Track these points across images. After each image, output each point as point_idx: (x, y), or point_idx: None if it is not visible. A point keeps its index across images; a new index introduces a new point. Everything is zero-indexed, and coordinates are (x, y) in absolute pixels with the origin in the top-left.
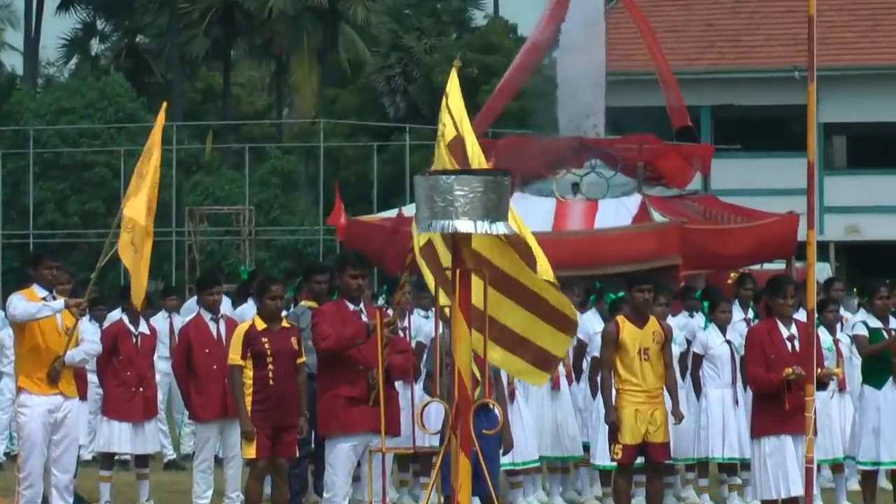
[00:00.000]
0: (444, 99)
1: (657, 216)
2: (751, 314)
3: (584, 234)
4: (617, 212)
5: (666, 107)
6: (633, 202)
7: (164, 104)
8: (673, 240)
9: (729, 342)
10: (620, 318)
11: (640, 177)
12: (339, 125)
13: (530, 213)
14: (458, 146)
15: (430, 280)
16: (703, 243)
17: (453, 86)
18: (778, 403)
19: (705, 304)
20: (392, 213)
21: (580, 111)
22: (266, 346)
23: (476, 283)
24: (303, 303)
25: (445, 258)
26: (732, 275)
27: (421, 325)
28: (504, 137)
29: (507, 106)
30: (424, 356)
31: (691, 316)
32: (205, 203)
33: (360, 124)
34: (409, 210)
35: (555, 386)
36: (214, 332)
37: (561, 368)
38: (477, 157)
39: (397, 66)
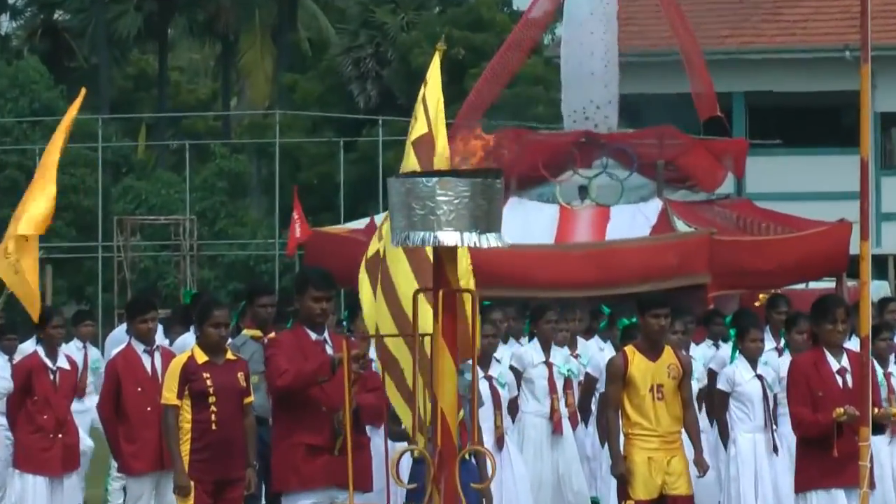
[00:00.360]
0: (422, 88)
1: (681, 225)
2: (782, 343)
3: (593, 248)
4: (633, 220)
5: (692, 94)
6: (653, 209)
7: (83, 90)
8: (700, 254)
9: (760, 377)
10: (629, 349)
11: (661, 178)
12: (298, 118)
13: (529, 223)
14: (424, 146)
15: (365, 297)
16: (736, 258)
17: (434, 73)
18: (826, 450)
19: (732, 332)
20: (362, 223)
21: (588, 99)
22: (208, 382)
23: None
24: (244, 331)
25: (406, 281)
26: (762, 296)
27: None
28: (496, 131)
29: (500, 93)
30: None
31: (717, 345)
32: (137, 212)
33: (323, 116)
34: (382, 218)
35: (556, 429)
36: (148, 367)
37: (564, 409)
38: (444, 164)
39: (368, 46)
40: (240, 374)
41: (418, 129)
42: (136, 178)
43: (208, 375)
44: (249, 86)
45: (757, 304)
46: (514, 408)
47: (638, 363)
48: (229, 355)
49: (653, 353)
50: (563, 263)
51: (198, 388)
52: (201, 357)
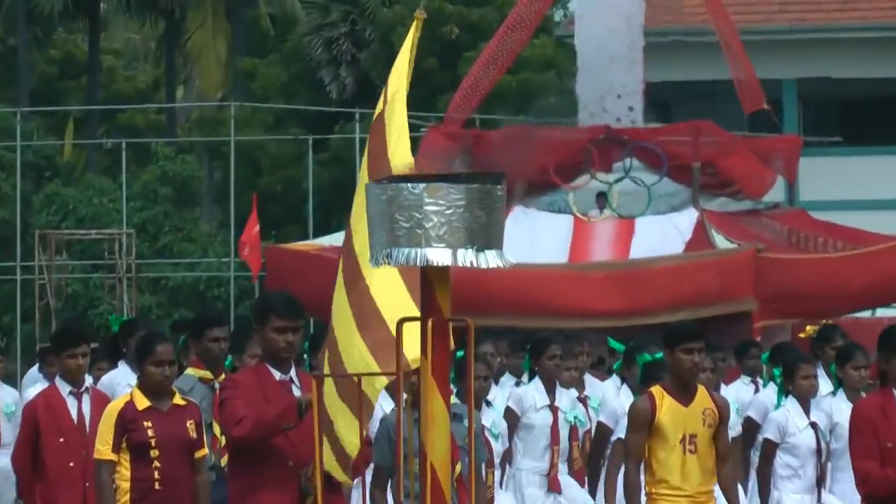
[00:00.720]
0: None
1: (721, 241)
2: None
3: (615, 268)
4: (662, 235)
5: (733, 82)
6: (687, 220)
7: None
8: (744, 275)
9: (814, 425)
10: (657, 391)
11: (696, 183)
12: (257, 111)
13: (537, 238)
14: (377, 130)
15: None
16: (787, 280)
17: (408, 44)
18: None
19: (777, 370)
20: (336, 238)
21: (608, 88)
22: (150, 432)
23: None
24: (189, 370)
25: (388, 306)
26: (809, 328)
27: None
28: (498, 128)
29: (502, 81)
30: (373, 443)
31: (754, 383)
32: (63, 225)
33: (288, 109)
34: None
35: (551, 486)
36: (74, 413)
37: (564, 465)
38: (399, 152)
39: (342, 24)
40: (189, 423)
41: (378, 108)
42: (62, 183)
43: (150, 424)
44: (199, 72)
45: (803, 335)
46: (505, 459)
47: (668, 408)
48: (177, 399)
49: (685, 395)
50: (578, 287)
51: (138, 439)
52: (142, 402)
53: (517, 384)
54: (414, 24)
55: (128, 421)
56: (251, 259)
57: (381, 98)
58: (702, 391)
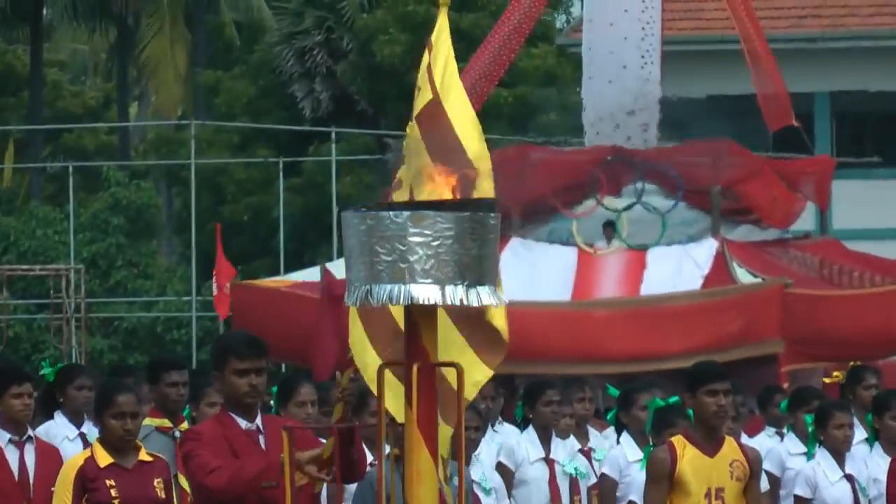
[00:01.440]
0: (426, 54)
1: (743, 275)
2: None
3: (624, 306)
4: (678, 268)
5: (758, 96)
6: (705, 252)
7: None
8: (770, 314)
9: (850, 478)
10: (678, 440)
11: (717, 210)
12: (221, 130)
13: (536, 272)
14: (431, 117)
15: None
16: (819, 319)
17: (443, 34)
18: None
19: (808, 417)
20: (310, 274)
21: (619, 103)
22: (113, 492)
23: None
24: (147, 420)
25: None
26: (837, 373)
27: None
28: (490, 149)
29: (494, 95)
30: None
31: (780, 437)
32: (3, 260)
33: (256, 128)
34: (338, 267)
35: None
36: (15, 465)
37: None
38: (473, 135)
39: (316, 32)
40: (157, 482)
41: (422, 97)
42: (2, 213)
43: (114, 483)
44: (155, 87)
45: (828, 380)
46: None
47: (690, 459)
48: (143, 455)
49: (710, 444)
50: (583, 328)
51: (100, 499)
52: (104, 458)
53: (493, 429)
54: (442, 10)
55: (88, 480)
56: (216, 295)
57: (427, 86)
58: (729, 441)
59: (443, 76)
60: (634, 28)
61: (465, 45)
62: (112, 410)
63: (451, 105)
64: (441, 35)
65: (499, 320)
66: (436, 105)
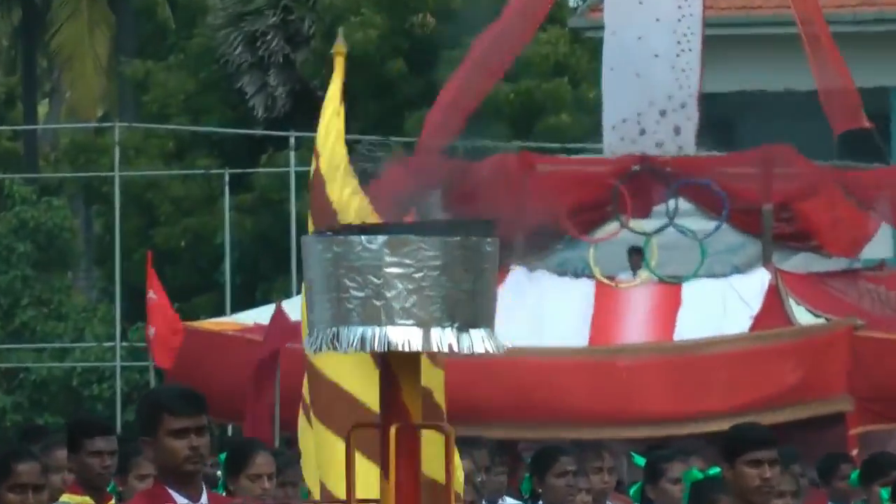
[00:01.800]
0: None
1: (802, 314)
2: None
3: (655, 353)
4: (721, 305)
5: (819, 91)
6: (754, 285)
7: None
8: (835, 362)
9: None
10: None
11: (768, 234)
12: (152, 134)
13: (545, 311)
14: (317, 188)
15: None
16: None
17: (334, 93)
18: None
19: (884, 491)
20: (261, 314)
21: (647, 100)
22: None
23: None
24: (64, 497)
25: (363, 389)
26: None
27: None
28: (489, 157)
29: (495, 92)
30: None
31: None
32: None
33: (196, 132)
34: (295, 305)
35: None
36: None
37: None
38: (353, 204)
39: (270, 13)
40: None
41: (314, 163)
42: None
43: None
44: (70, 81)
45: None
46: None
47: None
48: None
49: None
50: (604, 381)
51: None
52: None
53: None
54: (336, 61)
55: None
56: (151, 338)
57: (314, 156)
58: None
59: (325, 144)
60: (669, 6)
61: (455, 30)
62: (9, 482)
63: (332, 190)
64: (333, 96)
65: (438, 394)
66: (320, 177)
